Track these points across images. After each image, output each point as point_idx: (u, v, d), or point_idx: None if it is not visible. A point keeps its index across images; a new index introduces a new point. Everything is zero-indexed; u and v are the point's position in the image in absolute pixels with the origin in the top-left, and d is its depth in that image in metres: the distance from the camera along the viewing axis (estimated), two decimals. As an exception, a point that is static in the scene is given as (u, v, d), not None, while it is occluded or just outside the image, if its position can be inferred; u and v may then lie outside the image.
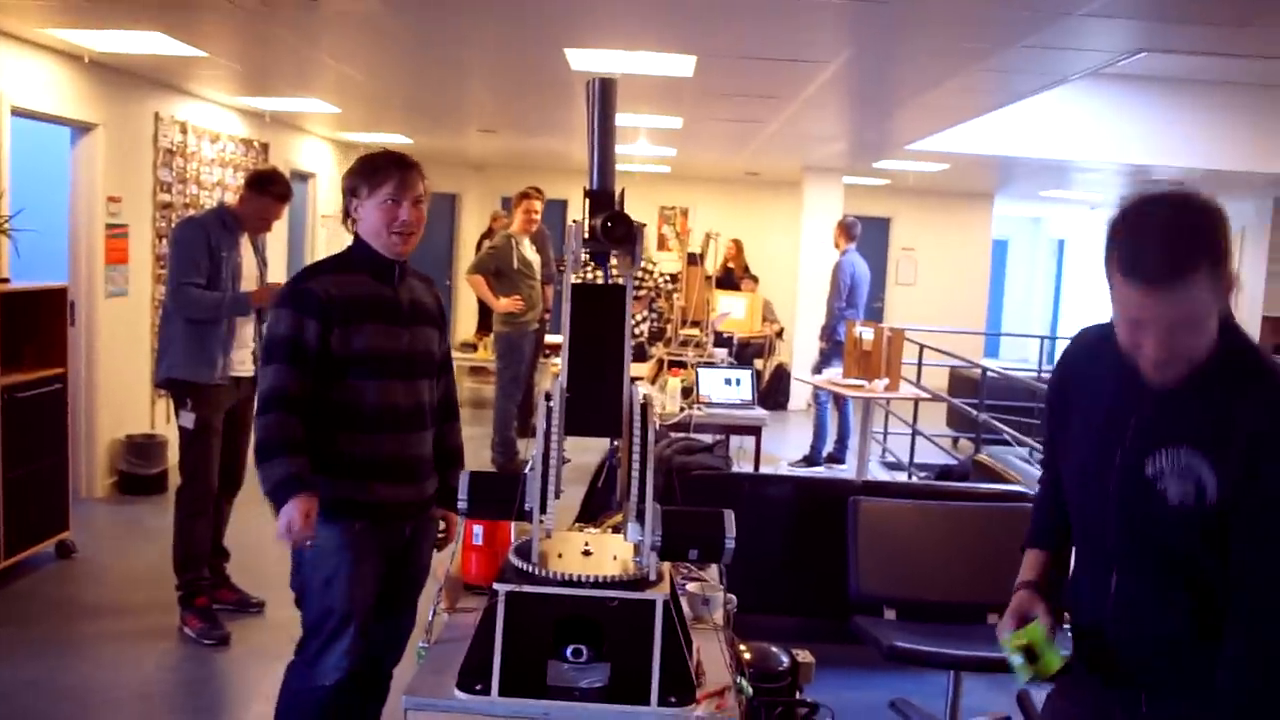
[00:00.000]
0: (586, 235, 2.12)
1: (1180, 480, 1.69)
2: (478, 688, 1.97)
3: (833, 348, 8.65)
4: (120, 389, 6.88)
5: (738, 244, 12.23)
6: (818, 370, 8.81)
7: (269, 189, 4.62)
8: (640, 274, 8.18)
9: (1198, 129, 8.21)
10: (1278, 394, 1.69)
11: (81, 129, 6.46)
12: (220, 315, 4.47)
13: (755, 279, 12.08)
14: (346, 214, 2.87)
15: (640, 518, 2.03)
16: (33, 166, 7.39)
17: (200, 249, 4.45)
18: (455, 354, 11.21)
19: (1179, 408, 1.72)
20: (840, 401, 8.62)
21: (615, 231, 2.02)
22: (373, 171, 2.79)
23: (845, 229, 8.81)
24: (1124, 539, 1.80)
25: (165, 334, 4.60)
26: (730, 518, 2.10)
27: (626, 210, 2.20)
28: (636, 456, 2.03)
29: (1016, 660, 1.86)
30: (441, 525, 3.07)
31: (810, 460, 8.68)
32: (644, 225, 2.14)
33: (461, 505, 2.15)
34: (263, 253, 4.84)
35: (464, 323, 13.64)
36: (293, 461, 2.67)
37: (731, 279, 11.74)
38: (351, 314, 2.74)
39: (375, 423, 2.77)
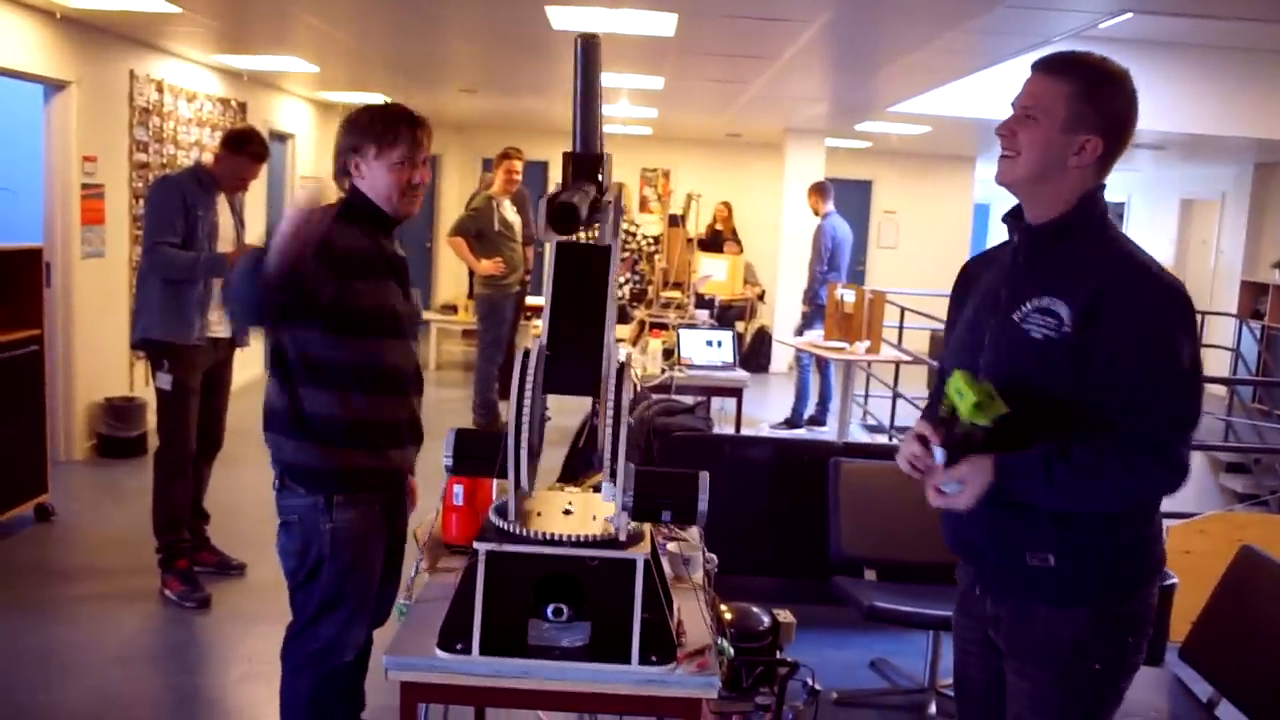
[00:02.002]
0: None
1: (1041, 318, 1.97)
2: (458, 647, 1.97)
3: (815, 311, 8.66)
4: (98, 351, 6.83)
5: (728, 206, 12.20)
6: (799, 333, 8.82)
7: (245, 148, 4.57)
8: (624, 236, 8.14)
9: (1179, 93, 8.20)
10: (1114, 257, 1.98)
11: (55, 87, 6.36)
12: (196, 276, 4.43)
13: (739, 243, 12.05)
14: (343, 171, 2.68)
15: (614, 477, 2.02)
16: (4, 125, 7.29)
17: (175, 208, 4.41)
18: (436, 316, 11.18)
19: (1039, 269, 2.03)
20: (822, 364, 8.64)
21: (558, 224, 1.93)
22: (384, 129, 2.63)
23: (823, 192, 8.79)
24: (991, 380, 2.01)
25: (142, 295, 4.56)
26: (705, 479, 2.08)
27: (611, 172, 2.18)
28: (611, 416, 2.02)
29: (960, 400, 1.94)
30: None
31: (792, 422, 8.71)
32: (622, 185, 2.11)
33: (447, 462, 2.14)
34: (240, 213, 4.79)
35: (444, 284, 13.58)
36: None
37: (719, 240, 11.73)
38: (363, 268, 2.60)
39: (390, 384, 2.69)
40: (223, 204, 4.64)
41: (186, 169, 4.86)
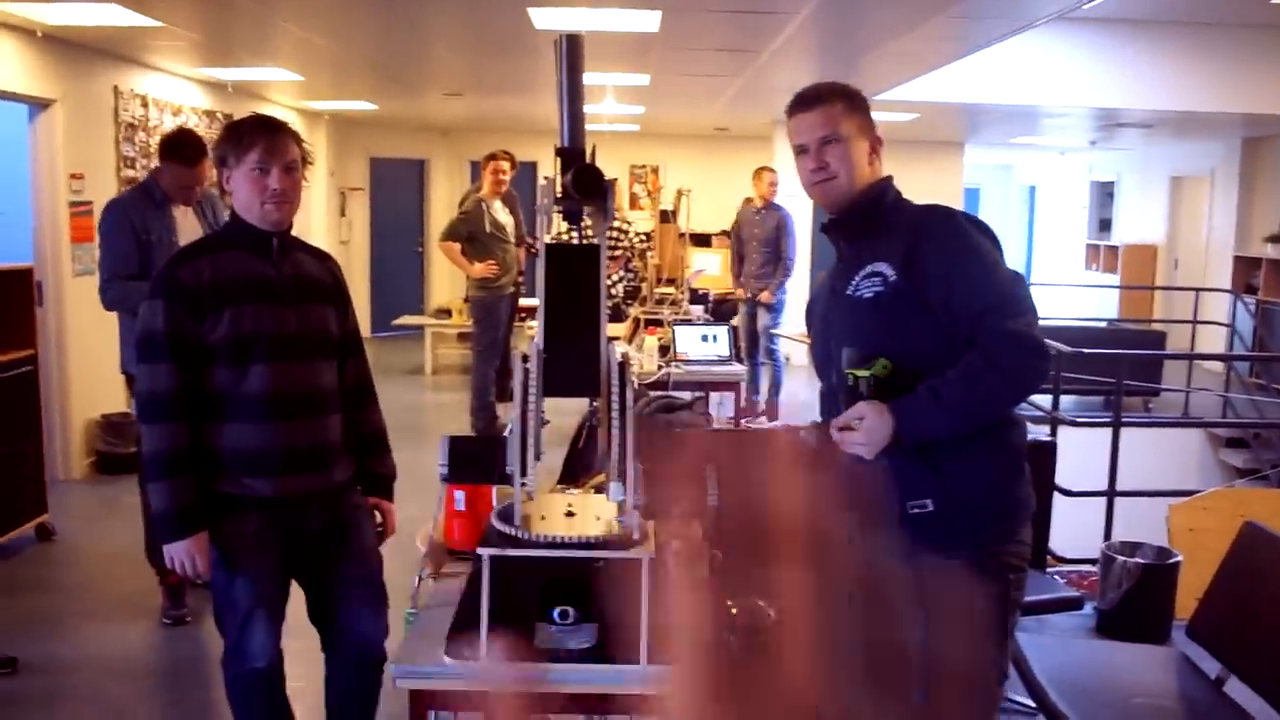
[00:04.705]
0: (559, 194, 2.10)
1: (869, 280, 2.25)
2: (466, 653, 1.97)
3: (780, 304, 8.49)
4: (93, 368, 6.80)
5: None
6: (767, 327, 8.61)
7: (177, 155, 4.19)
8: (615, 234, 8.11)
9: (1165, 71, 8.21)
10: (917, 212, 2.37)
11: (39, 105, 6.34)
12: None
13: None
14: (223, 191, 2.70)
15: (622, 477, 2.02)
16: (-9, 145, 7.25)
17: (123, 235, 4.14)
18: (431, 320, 11.16)
19: (861, 248, 2.33)
20: (771, 354, 8.42)
21: (583, 183, 1.99)
22: (238, 139, 2.60)
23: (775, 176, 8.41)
24: (839, 356, 2.25)
25: (122, 324, 4.31)
26: (712, 472, 2.09)
27: (597, 167, 2.18)
28: (616, 415, 2.02)
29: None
30: (378, 516, 2.90)
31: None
32: (614, 180, 2.13)
33: (442, 471, 2.14)
34: (218, 220, 4.37)
35: (438, 289, 13.55)
36: (183, 488, 2.57)
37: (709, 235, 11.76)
38: (226, 296, 2.58)
39: (262, 411, 2.61)
40: (186, 216, 4.32)
41: (137, 185, 4.50)
